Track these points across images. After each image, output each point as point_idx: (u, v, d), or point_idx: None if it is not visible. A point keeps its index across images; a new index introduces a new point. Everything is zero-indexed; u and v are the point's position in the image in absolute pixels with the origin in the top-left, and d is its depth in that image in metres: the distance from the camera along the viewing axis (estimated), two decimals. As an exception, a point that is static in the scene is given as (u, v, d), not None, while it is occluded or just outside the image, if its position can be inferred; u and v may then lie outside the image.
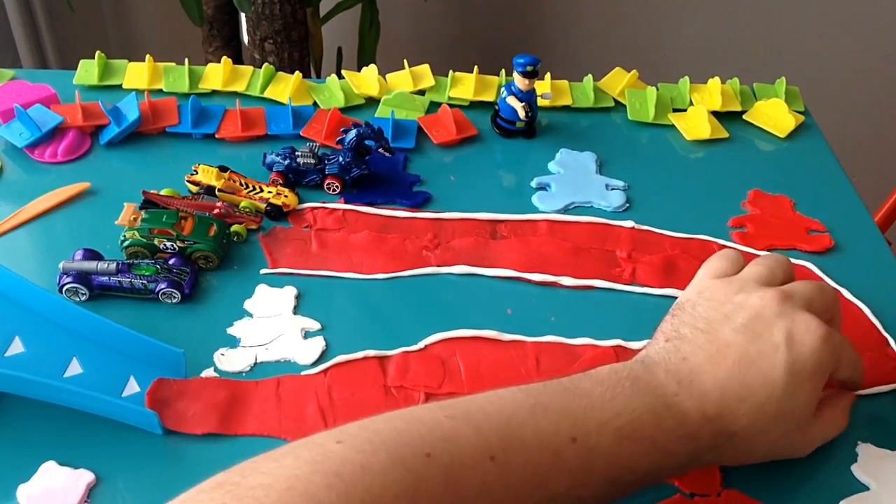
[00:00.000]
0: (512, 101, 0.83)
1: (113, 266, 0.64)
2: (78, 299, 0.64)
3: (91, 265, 0.64)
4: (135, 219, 0.68)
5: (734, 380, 0.49)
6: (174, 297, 0.64)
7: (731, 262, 0.57)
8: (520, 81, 0.82)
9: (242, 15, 1.64)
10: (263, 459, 0.42)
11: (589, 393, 0.48)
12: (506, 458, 0.44)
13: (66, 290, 0.63)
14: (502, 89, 0.84)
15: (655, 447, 0.48)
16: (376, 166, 0.78)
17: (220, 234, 0.68)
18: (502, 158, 0.83)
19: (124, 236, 0.66)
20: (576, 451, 0.46)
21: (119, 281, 0.63)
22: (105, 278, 0.63)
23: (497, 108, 0.85)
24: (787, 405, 0.50)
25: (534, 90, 0.83)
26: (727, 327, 0.51)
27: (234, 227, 0.70)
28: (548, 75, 0.91)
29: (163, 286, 0.63)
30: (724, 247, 0.73)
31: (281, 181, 0.75)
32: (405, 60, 0.90)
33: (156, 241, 0.66)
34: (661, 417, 0.48)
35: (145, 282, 0.64)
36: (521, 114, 0.82)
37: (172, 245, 0.66)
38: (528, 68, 0.81)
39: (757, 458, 0.53)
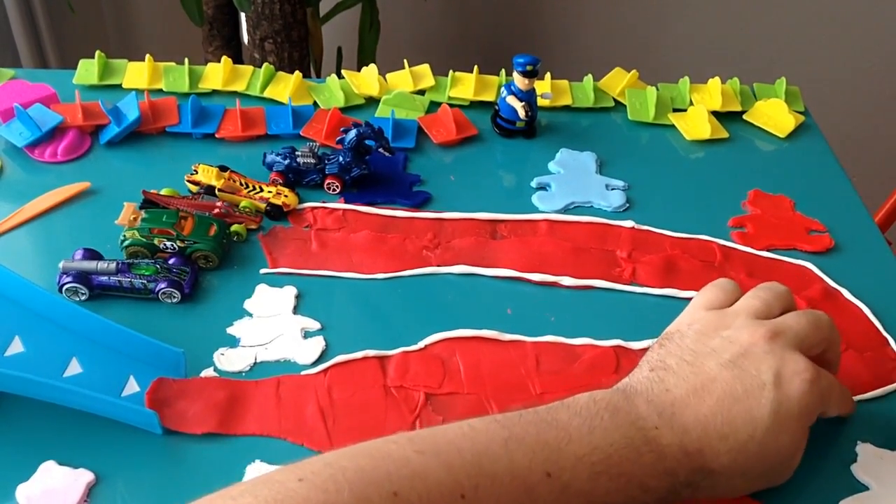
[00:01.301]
0: (512, 101, 0.83)
1: (113, 266, 0.63)
2: (78, 299, 0.64)
3: (91, 265, 0.64)
4: (135, 218, 0.68)
5: (717, 416, 0.48)
6: (174, 297, 0.64)
7: (726, 292, 0.56)
8: (519, 81, 0.82)
9: (242, 15, 1.64)
10: (220, 498, 0.41)
11: (566, 425, 0.47)
12: (476, 495, 0.42)
13: (66, 289, 0.63)
14: (502, 89, 0.84)
15: (632, 483, 0.46)
16: (376, 166, 0.78)
17: (220, 234, 0.68)
18: (502, 158, 0.83)
19: (124, 236, 0.66)
20: (550, 488, 0.44)
21: (119, 281, 0.63)
22: (105, 278, 0.63)
23: (497, 107, 0.85)
24: (770, 446, 0.49)
25: (534, 90, 0.83)
26: (714, 361, 0.50)
27: (234, 227, 0.70)
28: (548, 75, 0.91)
29: (162, 286, 0.63)
30: (725, 247, 0.73)
31: (281, 181, 0.75)
32: (405, 60, 0.90)
33: (156, 241, 0.66)
34: (639, 452, 0.47)
35: (145, 281, 0.63)
36: (521, 113, 0.82)
37: (172, 245, 0.66)
38: (528, 68, 0.81)
39: (736, 495, 0.51)
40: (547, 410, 0.48)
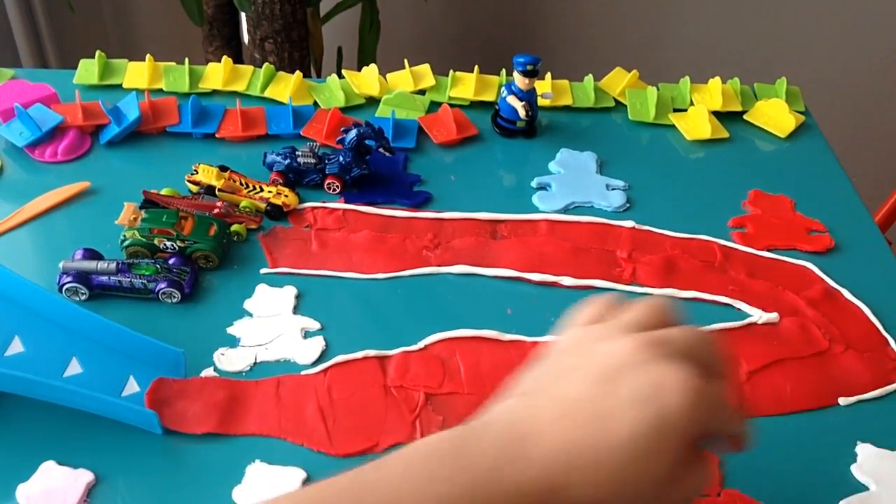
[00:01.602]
0: (512, 101, 0.83)
1: (113, 266, 0.63)
2: (77, 299, 0.64)
3: (91, 265, 0.64)
4: (135, 218, 0.68)
5: (580, 443, 0.41)
6: (174, 297, 0.64)
7: (601, 308, 0.48)
8: (520, 81, 0.82)
9: (243, 15, 1.64)
10: None
11: (397, 487, 0.40)
12: None
13: (66, 289, 0.63)
14: (503, 89, 0.84)
15: None
16: (376, 166, 0.78)
17: (220, 234, 0.68)
18: (503, 158, 0.83)
19: (124, 236, 0.66)
20: None
21: (119, 280, 0.63)
22: (105, 278, 0.63)
23: (497, 107, 0.85)
24: (643, 470, 0.41)
25: (534, 89, 0.83)
26: (580, 381, 0.43)
27: (234, 227, 0.70)
28: (548, 75, 0.91)
29: (162, 286, 0.63)
30: (725, 247, 0.73)
31: (281, 181, 0.75)
32: (405, 60, 0.90)
33: (156, 241, 0.66)
34: (491, 499, 0.40)
35: (145, 281, 0.63)
36: (522, 113, 0.82)
37: (172, 245, 0.66)
38: (529, 67, 0.81)
39: None
40: (373, 469, 0.41)
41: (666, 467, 0.41)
